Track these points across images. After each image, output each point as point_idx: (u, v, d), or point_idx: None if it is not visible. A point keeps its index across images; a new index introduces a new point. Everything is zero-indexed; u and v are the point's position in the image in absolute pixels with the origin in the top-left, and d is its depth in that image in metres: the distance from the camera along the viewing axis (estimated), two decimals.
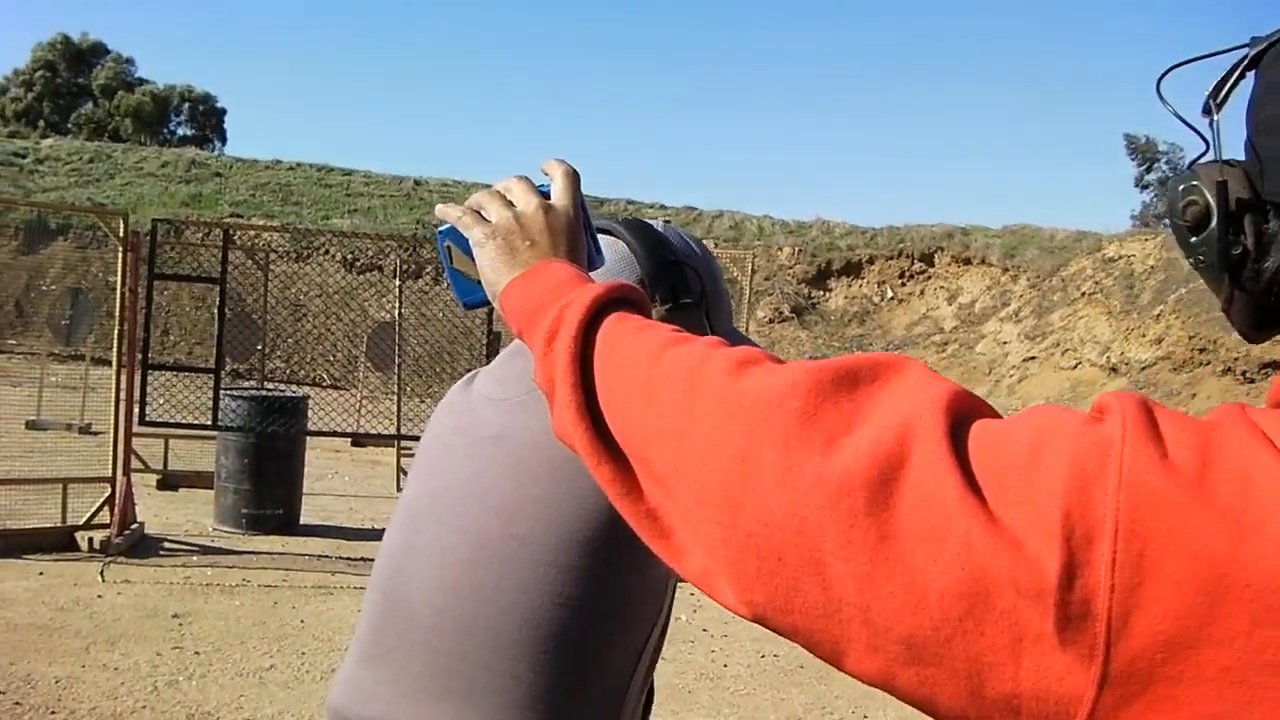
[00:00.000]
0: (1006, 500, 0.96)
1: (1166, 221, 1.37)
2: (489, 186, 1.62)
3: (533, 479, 1.95)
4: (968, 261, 36.68)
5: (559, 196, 1.58)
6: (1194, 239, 1.26)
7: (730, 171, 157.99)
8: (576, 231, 1.57)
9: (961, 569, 0.95)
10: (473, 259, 1.60)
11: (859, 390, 1.07)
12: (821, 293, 36.40)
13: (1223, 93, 1.24)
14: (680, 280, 2.20)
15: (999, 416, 1.05)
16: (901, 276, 37.24)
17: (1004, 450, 0.99)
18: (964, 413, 1.04)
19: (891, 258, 37.43)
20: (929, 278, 37.05)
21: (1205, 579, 0.88)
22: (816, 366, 1.09)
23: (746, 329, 31.52)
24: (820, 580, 1.02)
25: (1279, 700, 0.86)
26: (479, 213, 1.57)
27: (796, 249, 36.76)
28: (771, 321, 34.34)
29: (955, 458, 0.99)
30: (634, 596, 2.02)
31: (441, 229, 1.68)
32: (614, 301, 1.32)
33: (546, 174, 1.64)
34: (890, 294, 36.63)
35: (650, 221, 2.27)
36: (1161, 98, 1.32)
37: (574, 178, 1.62)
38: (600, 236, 1.86)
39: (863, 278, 37.15)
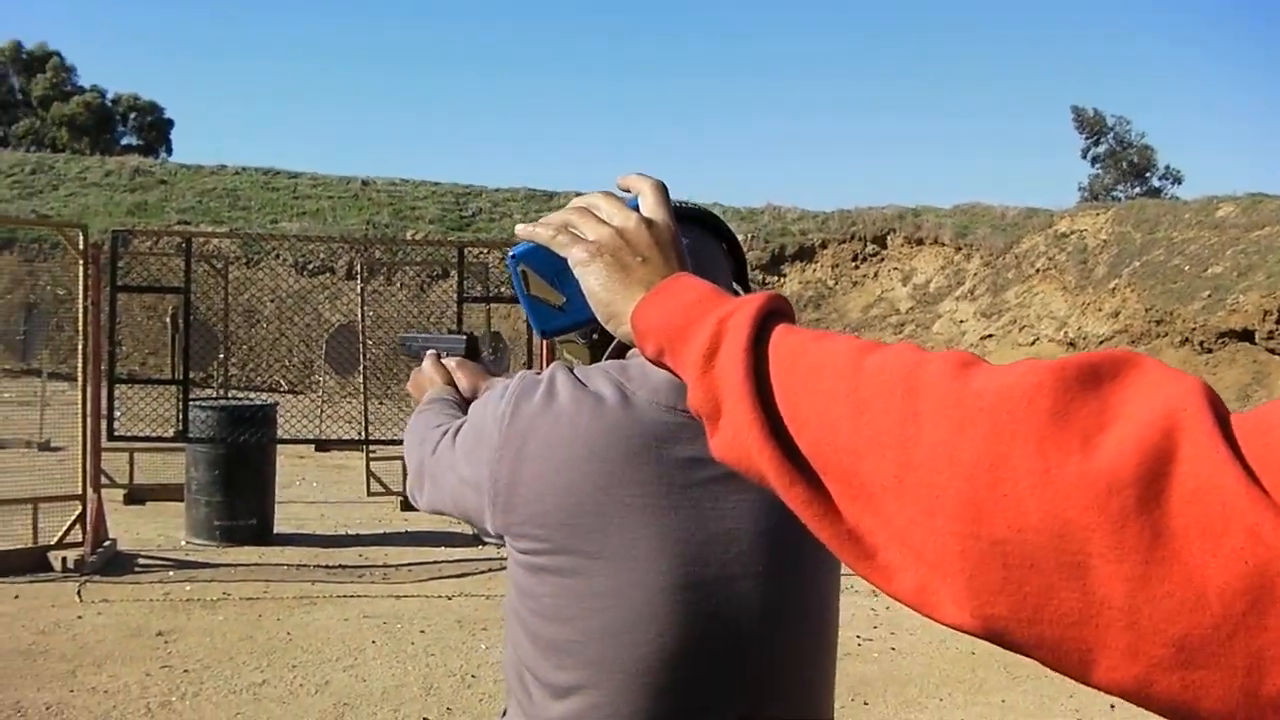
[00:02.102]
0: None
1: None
2: (569, 204, 1.53)
3: None
4: (920, 242, 36.75)
5: (654, 210, 1.50)
6: None
7: (679, 159, 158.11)
8: (680, 245, 1.49)
9: (1245, 562, 0.90)
10: (554, 283, 1.55)
11: (1104, 386, 1.00)
12: (775, 278, 36.38)
13: None
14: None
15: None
16: (855, 259, 37.27)
17: (1276, 439, 0.93)
18: (1218, 403, 0.98)
19: (844, 241, 37.46)
20: (882, 260, 37.10)
21: None
22: (1056, 365, 1.02)
23: None
24: (1080, 585, 0.95)
25: None
26: (571, 232, 1.49)
27: (749, 235, 36.70)
28: None
29: (1229, 449, 0.93)
30: None
31: (514, 252, 1.58)
32: (774, 313, 1.23)
33: (628, 189, 1.56)
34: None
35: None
36: None
37: (664, 191, 1.55)
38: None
39: (816, 262, 37.16)
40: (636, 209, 1.50)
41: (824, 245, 37.47)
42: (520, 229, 1.53)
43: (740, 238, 32.95)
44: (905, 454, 1.05)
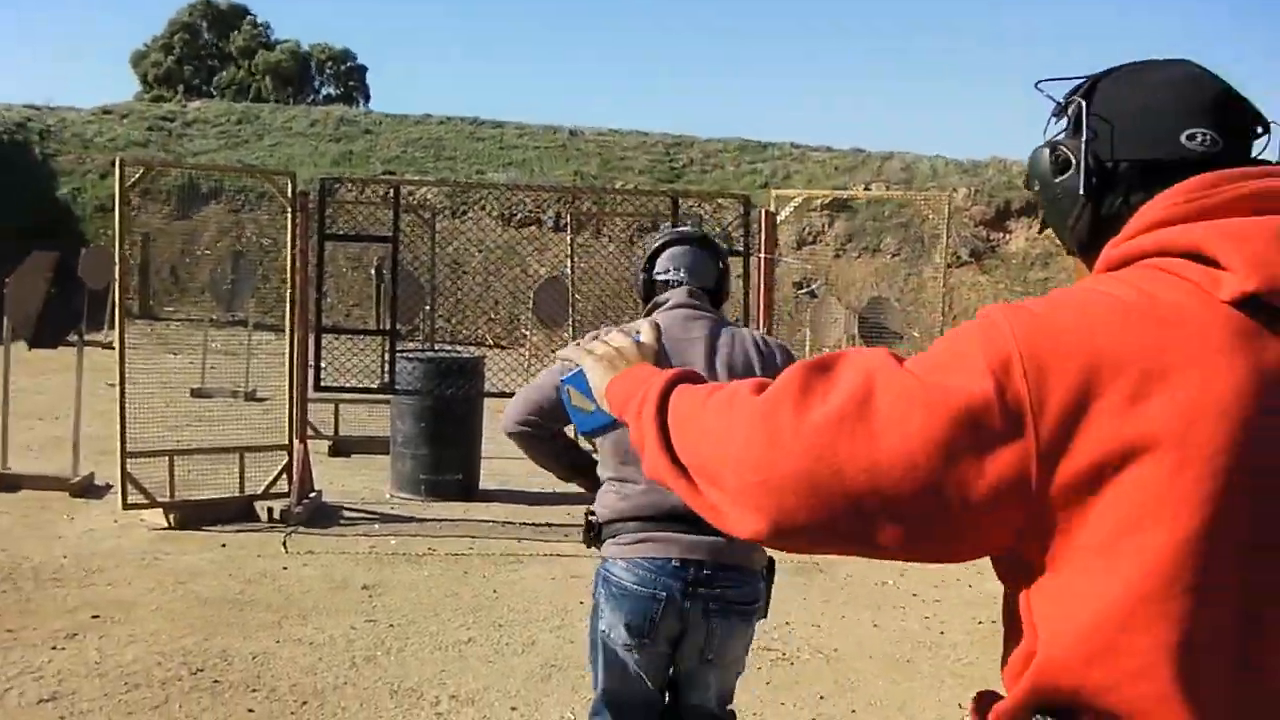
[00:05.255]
0: (942, 372, 1.70)
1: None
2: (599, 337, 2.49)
3: None
4: None
5: (646, 336, 2.42)
6: (1058, 179, 1.98)
7: (900, 111, 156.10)
8: (659, 355, 2.37)
9: (931, 426, 1.65)
10: (589, 395, 2.38)
11: (829, 369, 1.80)
12: (1001, 235, 35.65)
13: (1077, 97, 1.98)
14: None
15: None
16: None
17: (929, 354, 1.76)
18: (897, 355, 1.79)
19: None
20: None
21: (1081, 363, 1.62)
22: (804, 362, 1.84)
23: (921, 275, 31.03)
24: (843, 486, 1.69)
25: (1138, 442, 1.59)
26: (592, 353, 2.38)
27: (973, 190, 36.01)
28: (950, 266, 33.51)
29: (905, 368, 1.74)
30: None
31: (564, 379, 2.45)
32: (678, 378, 2.12)
33: (638, 331, 2.44)
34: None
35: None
36: (1044, 92, 2.08)
37: (658, 328, 2.47)
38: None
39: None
40: (638, 341, 2.40)
41: None
42: (561, 352, 2.55)
43: (963, 192, 32.27)
44: (726, 446, 1.85)
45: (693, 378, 2.11)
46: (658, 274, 4.79)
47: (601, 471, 4.54)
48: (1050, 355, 1.62)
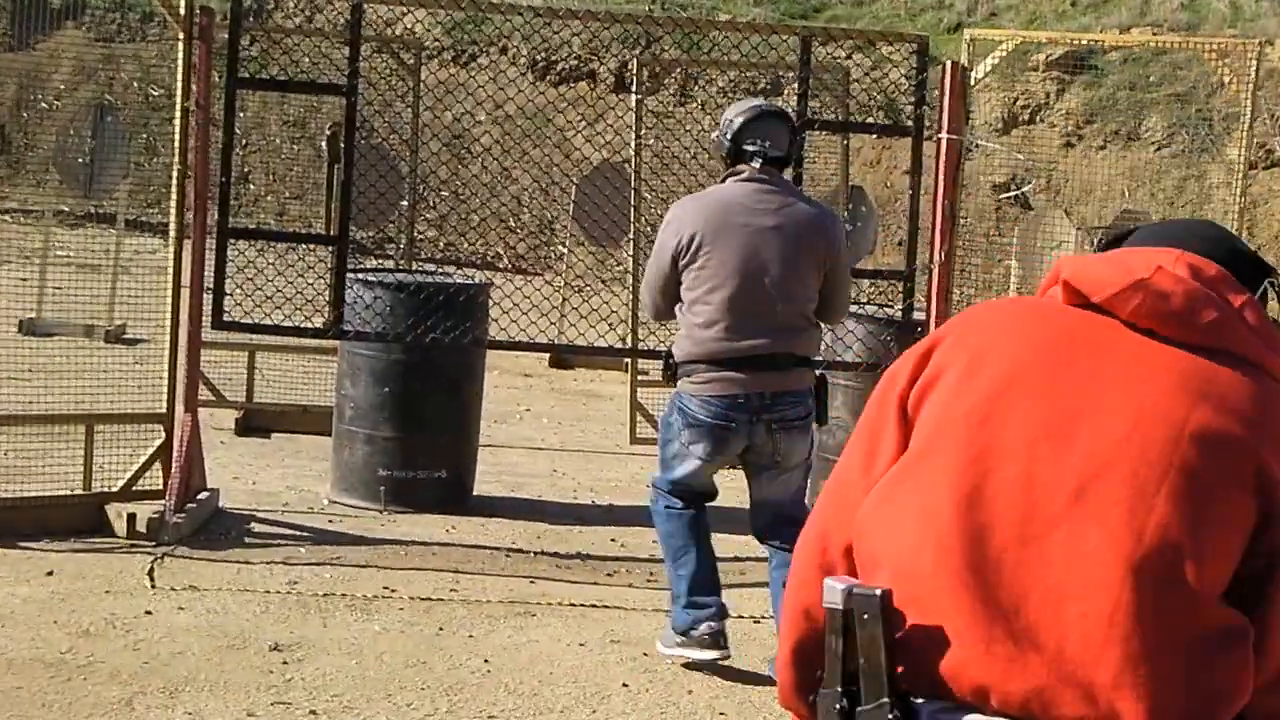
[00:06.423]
0: None
1: None
2: None
3: None
4: None
5: None
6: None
7: None
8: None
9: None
10: None
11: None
12: None
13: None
14: None
15: None
16: None
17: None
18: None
19: None
20: None
21: None
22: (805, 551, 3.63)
23: (1206, 178, 30.53)
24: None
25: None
26: None
27: None
28: (1253, 168, 32.00)
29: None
30: None
31: None
32: None
33: None
34: None
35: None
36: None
37: None
38: None
39: None
40: None
41: None
42: None
43: None
44: None
45: None
46: (744, 144, 9.02)
47: (685, 295, 8.88)
48: None
